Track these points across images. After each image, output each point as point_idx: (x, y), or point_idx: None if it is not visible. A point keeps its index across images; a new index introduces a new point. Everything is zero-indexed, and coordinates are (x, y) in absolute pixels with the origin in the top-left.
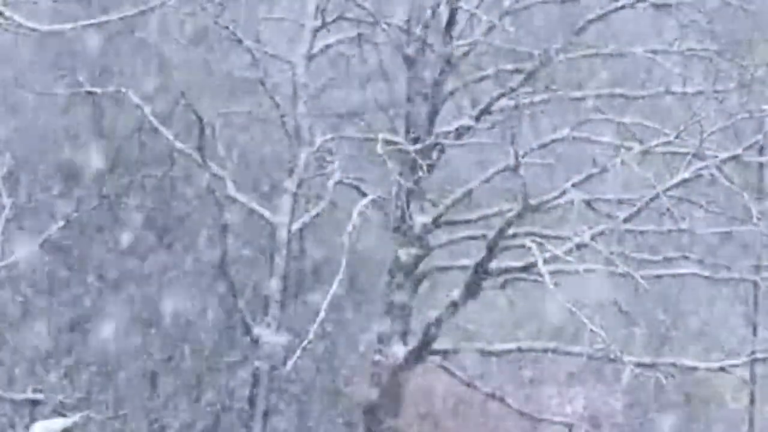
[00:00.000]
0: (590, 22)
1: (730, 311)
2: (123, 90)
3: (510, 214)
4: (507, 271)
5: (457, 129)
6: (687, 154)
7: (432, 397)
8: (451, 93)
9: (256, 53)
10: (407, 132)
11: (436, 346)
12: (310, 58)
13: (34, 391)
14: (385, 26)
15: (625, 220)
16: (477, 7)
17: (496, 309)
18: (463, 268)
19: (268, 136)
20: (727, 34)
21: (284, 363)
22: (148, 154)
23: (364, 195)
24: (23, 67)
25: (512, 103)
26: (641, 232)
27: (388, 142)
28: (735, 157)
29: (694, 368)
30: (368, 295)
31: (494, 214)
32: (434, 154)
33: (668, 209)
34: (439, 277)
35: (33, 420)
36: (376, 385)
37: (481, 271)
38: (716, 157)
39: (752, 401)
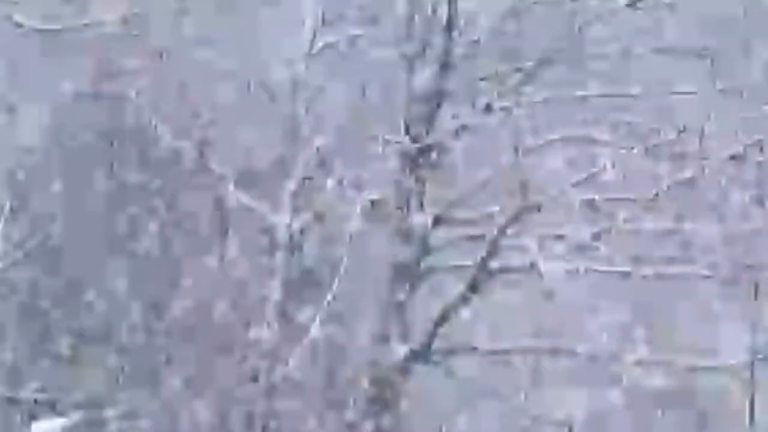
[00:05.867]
0: (590, 21)
1: (730, 311)
2: (123, 90)
3: (510, 214)
4: (507, 270)
5: (457, 129)
6: (687, 154)
7: (432, 397)
8: (451, 93)
9: (256, 53)
10: (407, 132)
11: (436, 346)
12: (310, 57)
13: (35, 391)
14: (385, 26)
15: (625, 220)
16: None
17: (496, 309)
18: (463, 267)
19: (268, 136)
20: (727, 34)
21: (284, 363)
22: (148, 154)
23: (364, 195)
24: (23, 66)
25: (512, 102)
26: (641, 232)
27: (388, 142)
28: (735, 157)
29: (694, 368)
30: (368, 295)
31: (494, 214)
32: (434, 154)
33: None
34: (439, 277)
35: (33, 420)
36: (376, 385)
37: (481, 271)
38: (716, 156)
39: (752, 401)
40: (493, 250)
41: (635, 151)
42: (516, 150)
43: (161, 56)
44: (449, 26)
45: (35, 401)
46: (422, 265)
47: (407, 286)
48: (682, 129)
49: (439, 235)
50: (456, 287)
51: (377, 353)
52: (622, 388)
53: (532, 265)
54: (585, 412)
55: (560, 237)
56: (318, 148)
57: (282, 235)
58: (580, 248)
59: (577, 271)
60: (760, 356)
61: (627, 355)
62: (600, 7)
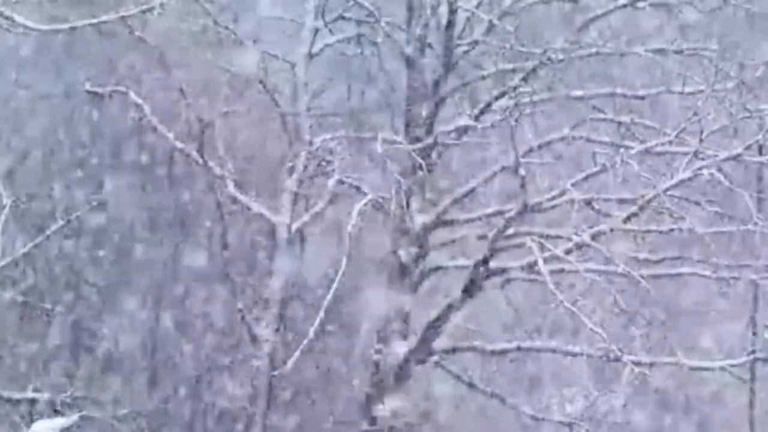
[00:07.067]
0: (590, 21)
1: (730, 311)
2: (123, 89)
3: (510, 214)
4: (507, 270)
5: (457, 129)
6: (687, 154)
7: (432, 397)
8: (451, 93)
9: (256, 53)
10: (407, 132)
11: (436, 345)
12: (311, 57)
13: (34, 390)
14: (385, 26)
15: (625, 220)
16: (477, 7)
17: (496, 309)
18: (463, 267)
19: (268, 136)
20: (727, 34)
21: (284, 363)
22: (148, 154)
23: (364, 195)
24: (23, 66)
25: (512, 102)
26: (641, 232)
27: (388, 142)
28: (735, 157)
29: (694, 368)
30: (368, 295)
31: (494, 214)
32: (434, 154)
33: (668, 209)
34: (439, 277)
35: (33, 420)
36: (376, 385)
37: (481, 271)
38: (716, 156)
39: (752, 401)
40: (493, 251)
41: (634, 151)
42: (515, 150)
43: (162, 56)
44: (449, 26)
45: (34, 401)
46: (422, 265)
47: (407, 286)
48: (681, 129)
49: (439, 235)
50: (456, 287)
51: (377, 353)
52: (622, 388)
53: (532, 266)
54: (585, 412)
55: (560, 237)
56: (318, 148)
57: (282, 235)
58: (580, 248)
59: (577, 271)
60: (760, 356)
61: (627, 356)
62: (600, 7)
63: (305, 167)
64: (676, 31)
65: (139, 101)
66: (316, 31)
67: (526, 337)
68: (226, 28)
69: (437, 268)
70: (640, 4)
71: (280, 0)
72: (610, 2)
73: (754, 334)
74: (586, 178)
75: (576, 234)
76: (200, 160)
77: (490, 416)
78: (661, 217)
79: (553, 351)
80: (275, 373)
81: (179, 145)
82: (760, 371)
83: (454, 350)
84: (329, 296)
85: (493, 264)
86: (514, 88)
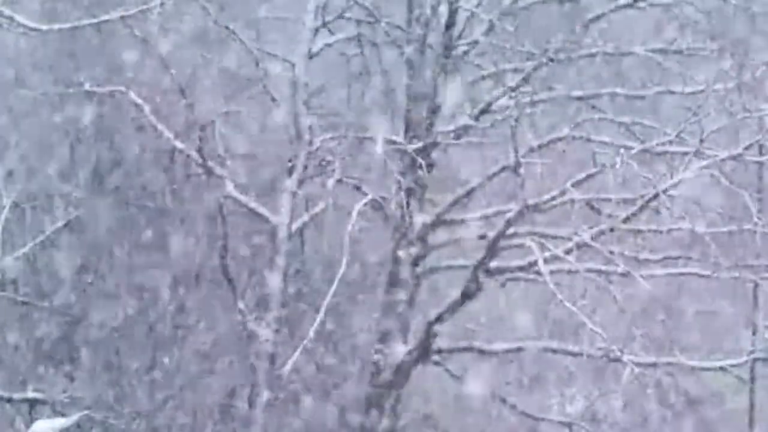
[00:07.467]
0: (590, 21)
1: (730, 311)
2: (123, 89)
3: (510, 214)
4: (507, 270)
5: (457, 129)
6: (687, 154)
7: (432, 397)
8: (451, 93)
9: (256, 52)
10: (407, 132)
11: (436, 345)
12: (310, 57)
13: (34, 391)
14: (385, 26)
15: (625, 220)
16: (477, 7)
17: (496, 309)
18: (463, 267)
19: (268, 136)
20: (727, 33)
21: (283, 363)
22: (148, 154)
23: (364, 195)
24: (24, 66)
25: (512, 102)
26: (641, 232)
27: (388, 142)
28: (735, 157)
29: (694, 368)
30: (368, 295)
31: (494, 214)
32: (434, 154)
33: (668, 209)
34: (439, 277)
35: (33, 420)
36: (375, 385)
37: (481, 271)
38: (716, 156)
39: (752, 401)
40: (493, 251)
41: (634, 151)
42: (516, 150)
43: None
44: (449, 26)
45: (34, 401)
46: (422, 265)
47: (407, 286)
48: (681, 129)
49: (439, 235)
50: (456, 287)
51: (377, 353)
52: (622, 388)
53: (532, 265)
54: (585, 412)
55: (560, 237)
56: (318, 148)
57: (282, 235)
58: (580, 248)
59: (577, 271)
60: (760, 356)
61: (627, 356)
62: (600, 7)
63: (305, 167)
64: (676, 31)
65: (139, 101)
66: (316, 31)
67: (525, 337)
68: (226, 27)
69: (437, 268)
70: (640, 4)
71: (280, 0)
72: (610, 2)
73: (754, 334)
74: (586, 178)
75: (576, 234)
76: (200, 160)
77: (490, 416)
78: (661, 217)
79: (554, 351)
80: (275, 373)
81: (179, 145)
82: (760, 371)
83: (454, 350)
84: (329, 296)
85: (493, 264)
86: (514, 88)
